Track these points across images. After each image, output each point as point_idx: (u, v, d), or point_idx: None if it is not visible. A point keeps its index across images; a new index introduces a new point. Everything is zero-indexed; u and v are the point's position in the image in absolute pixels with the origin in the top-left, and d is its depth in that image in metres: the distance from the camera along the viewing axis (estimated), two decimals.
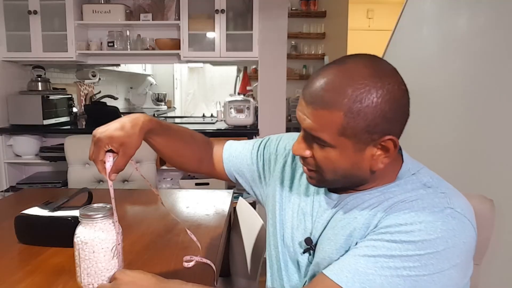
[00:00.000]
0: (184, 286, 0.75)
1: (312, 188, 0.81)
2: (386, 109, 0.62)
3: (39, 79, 2.95)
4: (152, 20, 2.88)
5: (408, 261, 0.60)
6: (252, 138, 2.86)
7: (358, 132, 0.63)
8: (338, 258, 0.68)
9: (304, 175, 0.84)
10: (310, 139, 0.69)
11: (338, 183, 0.72)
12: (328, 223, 0.75)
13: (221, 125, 3.04)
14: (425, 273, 0.59)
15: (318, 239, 0.76)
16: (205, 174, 0.98)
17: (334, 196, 0.76)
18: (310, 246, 0.77)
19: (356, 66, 0.64)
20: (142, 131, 0.77)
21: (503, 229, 1.64)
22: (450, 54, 2.49)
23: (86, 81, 3.64)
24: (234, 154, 0.96)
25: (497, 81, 1.93)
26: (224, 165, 0.97)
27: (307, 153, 0.70)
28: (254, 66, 4.54)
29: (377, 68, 0.64)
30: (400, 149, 0.75)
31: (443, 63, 2.59)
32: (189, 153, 0.93)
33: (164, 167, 2.86)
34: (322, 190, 0.79)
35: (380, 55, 3.56)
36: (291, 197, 0.84)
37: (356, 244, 0.68)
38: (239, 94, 3.88)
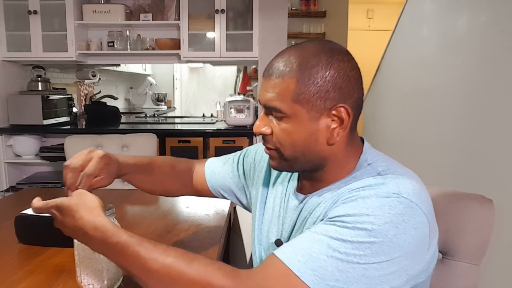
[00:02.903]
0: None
1: (283, 189, 0.83)
2: (335, 76, 0.66)
3: (39, 79, 2.96)
4: (152, 20, 2.88)
5: (358, 248, 0.59)
6: (252, 138, 2.86)
7: (310, 98, 0.67)
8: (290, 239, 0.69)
9: (279, 177, 0.86)
10: (269, 114, 0.72)
11: (298, 162, 0.73)
12: (295, 224, 0.76)
13: (221, 125, 3.04)
14: (374, 261, 0.59)
15: (287, 241, 0.77)
16: (190, 195, 1.04)
17: (300, 196, 0.78)
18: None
19: (309, 44, 0.70)
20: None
21: (503, 229, 1.65)
22: (450, 54, 2.49)
23: (86, 81, 3.65)
24: (216, 171, 1.00)
25: (497, 80, 1.93)
26: (207, 183, 1.00)
27: (266, 129, 0.72)
28: (254, 66, 4.54)
29: (328, 46, 0.69)
30: (363, 140, 0.76)
31: (443, 63, 2.59)
32: (172, 182, 1.00)
33: None
34: (291, 190, 0.81)
35: (380, 55, 3.56)
36: (267, 201, 0.87)
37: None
38: (239, 94, 3.88)
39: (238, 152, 1.01)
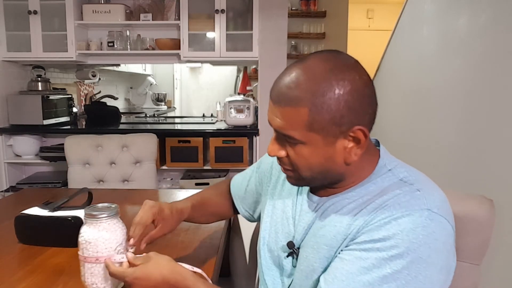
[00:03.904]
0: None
1: (295, 191, 0.82)
2: (349, 100, 0.64)
3: (39, 79, 2.95)
4: (152, 20, 2.88)
5: (399, 278, 0.60)
6: (252, 138, 2.86)
7: (325, 126, 0.65)
8: (325, 268, 0.69)
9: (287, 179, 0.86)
10: (282, 138, 0.70)
11: (317, 181, 0.72)
12: (309, 228, 0.75)
13: (221, 125, 3.04)
14: (416, 286, 0.60)
15: (301, 244, 0.76)
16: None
17: (315, 198, 0.77)
18: (292, 249, 0.77)
19: (316, 62, 0.66)
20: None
21: (503, 229, 1.65)
22: (450, 54, 2.49)
23: (86, 81, 3.65)
24: (237, 186, 1.03)
25: (497, 80, 1.93)
26: (234, 200, 1.04)
27: (282, 153, 0.71)
28: (254, 66, 4.54)
29: (337, 62, 0.66)
30: (378, 143, 0.76)
31: (443, 63, 2.59)
32: (224, 209, 1.05)
33: (164, 167, 2.87)
34: (304, 192, 0.80)
35: (380, 55, 3.56)
36: (276, 203, 0.86)
37: (340, 252, 0.68)
38: (239, 94, 3.88)
39: (254, 165, 1.02)
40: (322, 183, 0.73)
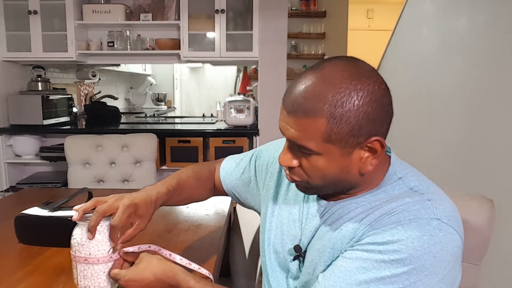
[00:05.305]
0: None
1: (302, 194, 0.81)
2: (369, 111, 0.62)
3: (39, 79, 2.95)
4: (152, 20, 2.88)
5: (397, 282, 0.60)
6: (252, 138, 2.86)
7: (343, 137, 0.63)
8: (326, 269, 0.69)
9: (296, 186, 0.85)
10: (295, 148, 0.68)
11: (328, 189, 0.71)
12: (316, 231, 0.75)
13: (221, 125, 3.04)
14: None
15: (307, 247, 0.76)
16: (214, 196, 1.06)
17: (323, 202, 0.76)
18: (299, 253, 0.77)
19: (333, 70, 0.64)
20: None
21: (503, 229, 1.65)
22: (450, 54, 2.49)
23: (86, 81, 3.65)
24: (229, 172, 1.01)
25: (497, 81, 1.93)
26: (222, 185, 1.01)
27: (294, 162, 0.69)
28: (254, 66, 4.54)
29: (355, 70, 0.64)
30: (389, 150, 0.75)
31: (443, 63, 2.59)
32: (198, 192, 1.00)
33: (164, 167, 2.87)
34: (312, 196, 0.79)
35: (380, 55, 3.56)
36: (281, 204, 0.85)
37: (343, 252, 0.68)
38: (239, 94, 3.88)
39: (250, 153, 1.00)
40: (332, 192, 0.72)
